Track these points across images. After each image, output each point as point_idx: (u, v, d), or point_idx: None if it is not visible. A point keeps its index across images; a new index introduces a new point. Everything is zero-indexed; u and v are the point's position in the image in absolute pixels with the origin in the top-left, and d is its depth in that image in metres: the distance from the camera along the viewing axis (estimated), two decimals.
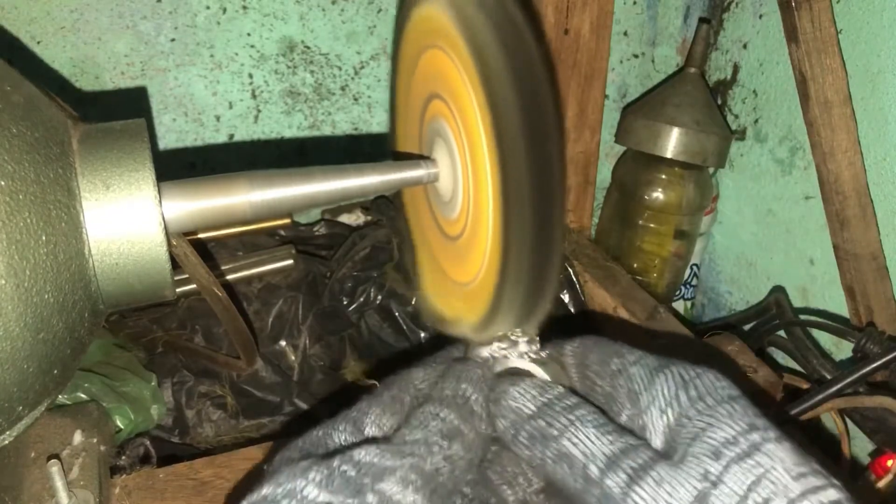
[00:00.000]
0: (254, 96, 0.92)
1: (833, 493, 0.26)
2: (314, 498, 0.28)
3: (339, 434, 0.33)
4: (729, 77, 1.01)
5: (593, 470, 0.30)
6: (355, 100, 0.97)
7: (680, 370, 0.32)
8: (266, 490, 0.29)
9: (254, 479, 0.30)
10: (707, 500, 0.27)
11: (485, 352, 0.38)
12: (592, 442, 0.30)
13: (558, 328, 0.39)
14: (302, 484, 0.28)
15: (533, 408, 0.33)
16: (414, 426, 0.33)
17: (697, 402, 0.30)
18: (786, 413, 0.67)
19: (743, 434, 0.28)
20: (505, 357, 0.38)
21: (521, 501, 0.35)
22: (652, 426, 0.31)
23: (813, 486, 0.26)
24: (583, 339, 0.36)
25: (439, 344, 0.42)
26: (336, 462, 0.29)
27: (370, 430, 0.34)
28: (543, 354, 0.37)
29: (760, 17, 0.94)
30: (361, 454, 0.30)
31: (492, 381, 0.36)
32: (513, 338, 0.38)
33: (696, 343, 0.72)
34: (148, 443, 0.65)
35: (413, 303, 0.83)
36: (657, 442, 0.30)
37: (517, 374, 0.36)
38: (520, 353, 0.38)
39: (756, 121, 0.97)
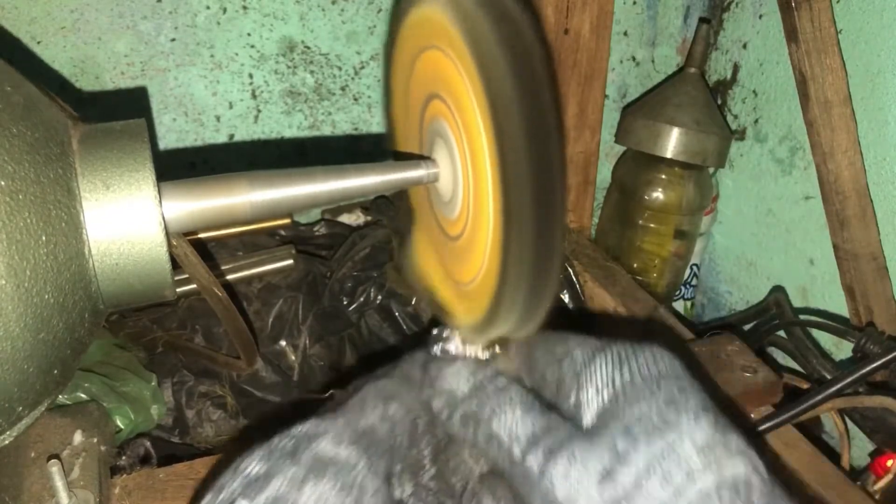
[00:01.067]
0: (254, 96, 0.92)
1: (740, 466, 0.27)
2: (256, 472, 0.30)
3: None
4: (729, 77, 1.01)
5: (516, 451, 0.31)
6: (355, 100, 0.97)
7: (619, 349, 0.33)
8: (221, 479, 0.31)
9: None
10: (613, 473, 0.28)
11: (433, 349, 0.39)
12: (518, 423, 0.32)
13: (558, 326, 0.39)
14: (246, 463, 0.31)
15: (466, 389, 0.35)
16: (354, 397, 0.34)
17: (629, 384, 0.31)
18: (754, 427, 0.68)
19: (658, 412, 0.29)
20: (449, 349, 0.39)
21: (467, 490, 0.36)
22: (587, 405, 0.32)
23: (718, 457, 0.28)
24: (531, 336, 0.37)
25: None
26: (276, 439, 0.32)
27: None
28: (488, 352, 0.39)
29: (760, 17, 0.94)
30: (298, 428, 0.32)
31: (428, 362, 0.37)
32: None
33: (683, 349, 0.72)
34: (148, 443, 0.65)
35: (413, 303, 0.83)
36: (588, 420, 0.31)
37: (453, 356, 0.37)
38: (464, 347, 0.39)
39: (756, 121, 0.97)
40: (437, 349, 0.38)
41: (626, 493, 0.28)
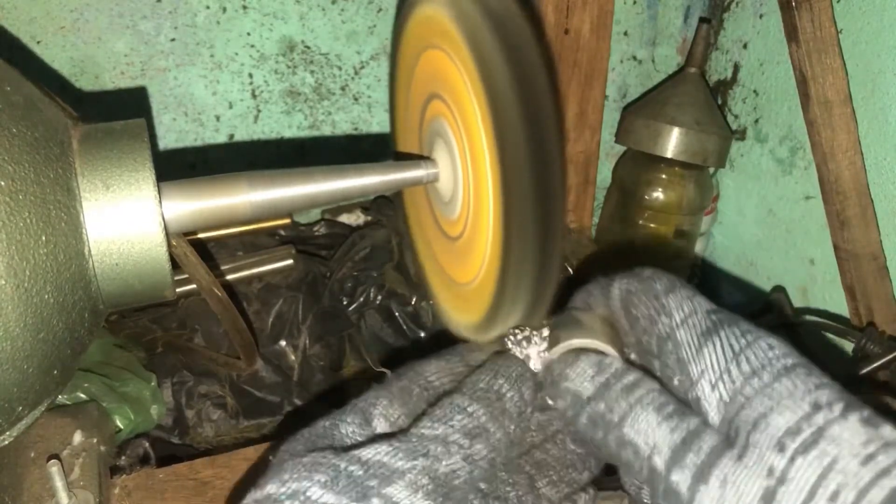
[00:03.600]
0: (254, 96, 0.92)
1: None
2: (317, 499, 0.27)
3: (347, 426, 0.32)
4: (729, 77, 1.01)
5: (658, 463, 0.29)
6: (355, 100, 0.97)
7: (730, 337, 0.30)
8: (270, 488, 0.28)
9: (259, 471, 0.29)
10: (774, 497, 0.26)
11: (525, 350, 0.36)
12: (654, 430, 0.29)
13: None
14: (307, 485, 0.27)
15: (591, 389, 0.32)
16: (436, 418, 0.31)
17: (752, 379, 0.28)
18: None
19: (806, 419, 0.26)
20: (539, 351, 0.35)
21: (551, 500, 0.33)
22: (706, 401, 0.29)
23: (883, 468, 0.25)
24: (628, 282, 0.34)
25: (444, 341, 0.40)
26: (343, 463, 0.28)
27: (378, 422, 0.32)
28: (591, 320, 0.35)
29: (761, 17, 0.94)
30: (370, 453, 0.29)
31: (524, 378, 0.34)
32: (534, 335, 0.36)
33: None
34: (147, 443, 0.65)
35: (413, 303, 0.83)
36: (715, 418, 0.29)
37: (572, 353, 0.34)
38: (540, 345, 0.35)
39: (756, 121, 0.97)
40: (515, 347, 0.35)
41: None
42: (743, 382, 0.28)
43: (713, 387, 0.29)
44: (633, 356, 0.34)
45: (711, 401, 0.29)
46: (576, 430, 0.33)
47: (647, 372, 0.32)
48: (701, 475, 0.27)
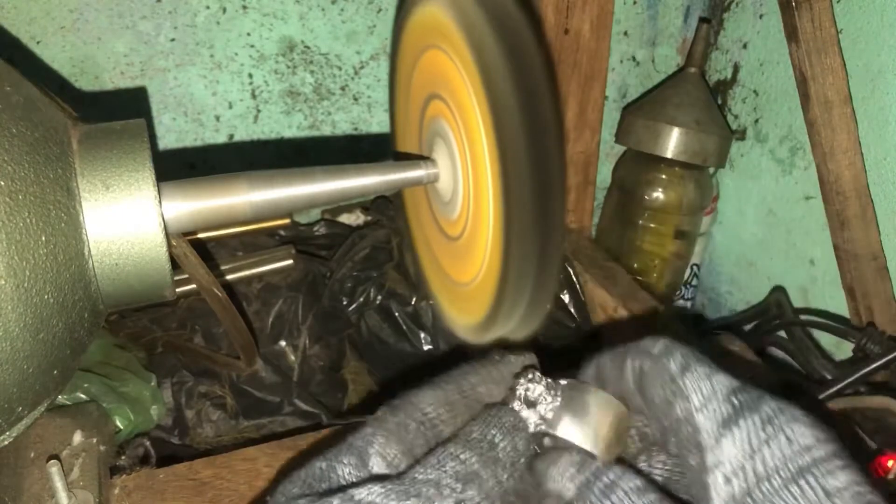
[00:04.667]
0: (254, 96, 0.92)
1: None
2: None
3: (343, 467, 0.32)
4: (729, 77, 1.01)
5: None
6: (355, 100, 0.97)
7: (750, 428, 0.29)
8: None
9: None
10: None
11: (527, 415, 0.34)
12: None
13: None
14: None
15: (573, 490, 0.31)
16: (429, 465, 0.31)
17: (764, 482, 0.27)
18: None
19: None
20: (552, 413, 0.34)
21: None
22: (716, 493, 0.28)
23: None
24: (641, 360, 0.33)
25: (449, 357, 0.40)
26: (336, 502, 0.28)
27: (375, 462, 0.32)
28: (601, 398, 0.34)
29: (761, 17, 0.94)
30: (363, 493, 0.28)
31: (530, 459, 0.34)
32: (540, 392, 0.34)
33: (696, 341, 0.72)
34: (147, 443, 0.64)
35: (413, 303, 0.83)
36: None
37: (556, 451, 0.33)
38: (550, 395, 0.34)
39: (756, 121, 0.97)
40: (518, 404, 0.34)
41: None
42: (755, 483, 0.28)
43: (727, 481, 0.28)
44: (648, 430, 0.34)
45: (722, 494, 0.28)
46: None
47: (658, 486, 0.32)
48: None
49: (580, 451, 0.33)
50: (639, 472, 0.31)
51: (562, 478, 0.32)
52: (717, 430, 0.29)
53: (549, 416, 0.34)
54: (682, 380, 0.31)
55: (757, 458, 0.28)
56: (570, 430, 0.33)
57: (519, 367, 0.35)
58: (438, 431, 0.33)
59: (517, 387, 0.34)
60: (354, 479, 0.31)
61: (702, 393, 0.30)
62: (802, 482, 0.27)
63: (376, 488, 0.29)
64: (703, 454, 0.29)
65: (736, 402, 0.29)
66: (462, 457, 0.31)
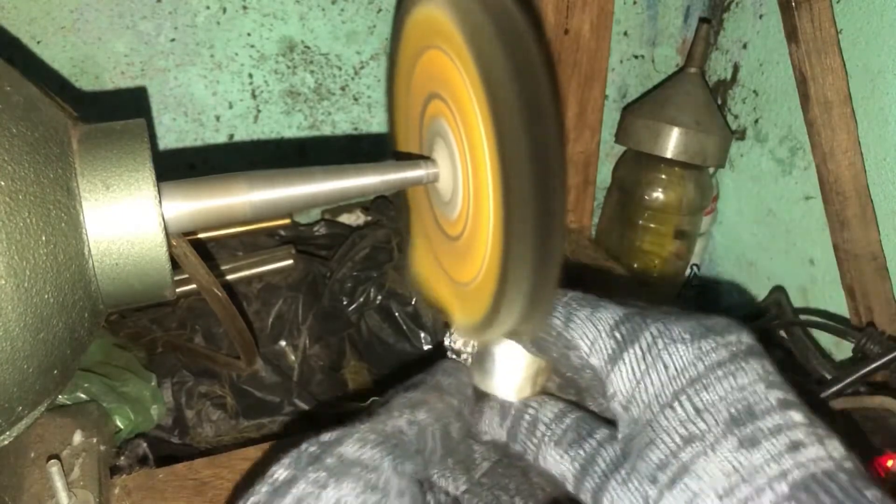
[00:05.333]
0: (254, 96, 0.92)
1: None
2: (283, 478, 0.31)
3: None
4: (729, 77, 1.01)
5: (569, 490, 0.32)
6: (355, 100, 0.97)
7: (635, 357, 0.31)
8: (253, 488, 0.31)
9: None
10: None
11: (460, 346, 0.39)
12: (559, 462, 0.32)
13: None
14: (273, 469, 0.31)
15: (504, 435, 0.35)
16: (383, 408, 0.34)
17: (647, 410, 0.30)
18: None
19: (674, 454, 0.28)
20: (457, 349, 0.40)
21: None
22: (620, 419, 0.32)
23: (744, 496, 0.26)
24: (566, 305, 0.36)
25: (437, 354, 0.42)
26: (304, 445, 0.32)
27: None
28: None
29: (760, 17, 0.94)
30: (326, 435, 0.32)
31: (456, 370, 0.38)
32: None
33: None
34: (147, 443, 0.64)
35: (413, 303, 0.83)
36: (624, 430, 0.31)
37: (477, 406, 0.37)
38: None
39: (756, 121, 0.97)
40: (449, 350, 0.39)
41: None
42: (644, 409, 0.30)
43: (624, 409, 0.31)
44: (569, 392, 0.37)
45: (624, 418, 0.31)
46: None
47: (575, 405, 0.35)
48: (595, 499, 0.31)
49: (495, 398, 0.37)
50: (557, 399, 0.35)
51: (491, 428, 0.36)
52: (606, 366, 0.32)
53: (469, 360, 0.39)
54: (568, 331, 0.34)
55: (643, 384, 0.31)
56: (484, 381, 0.38)
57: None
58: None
59: (446, 339, 0.39)
60: None
61: (587, 337, 0.33)
62: (676, 404, 0.29)
63: (336, 429, 0.32)
64: (602, 390, 0.32)
65: (618, 335, 0.32)
66: (409, 394, 0.35)
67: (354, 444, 0.31)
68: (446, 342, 0.39)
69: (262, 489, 0.31)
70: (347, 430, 0.32)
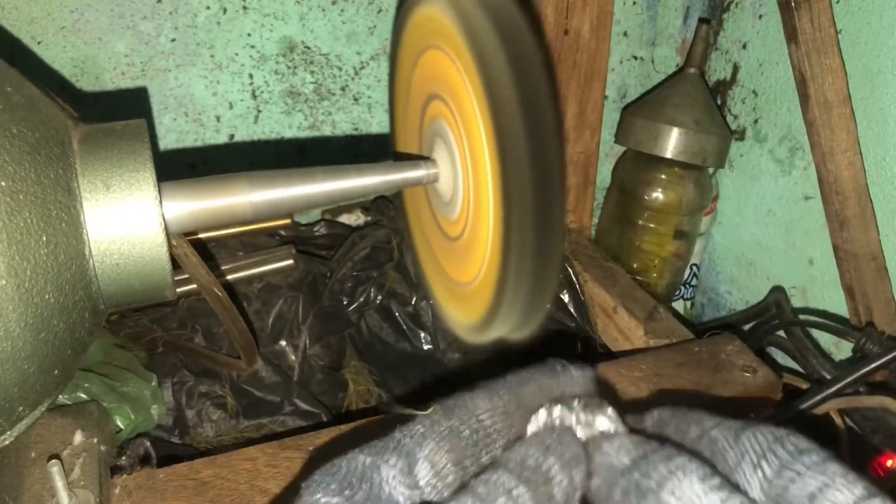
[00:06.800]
0: (254, 96, 0.92)
1: None
2: None
3: (389, 469, 0.30)
4: (729, 77, 1.01)
5: None
6: (355, 100, 0.97)
7: (767, 429, 0.29)
8: None
9: (288, 493, 0.29)
10: None
11: (576, 427, 0.33)
12: (700, 497, 0.27)
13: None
14: None
15: (628, 461, 0.30)
16: (480, 497, 0.29)
17: (800, 457, 0.27)
18: (794, 407, 0.67)
19: (864, 499, 0.26)
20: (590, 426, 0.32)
21: None
22: (747, 482, 0.28)
23: None
24: (660, 411, 0.33)
25: (495, 360, 0.38)
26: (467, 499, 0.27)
27: (422, 468, 0.30)
28: (622, 428, 0.33)
29: (760, 17, 0.94)
30: (480, 489, 0.27)
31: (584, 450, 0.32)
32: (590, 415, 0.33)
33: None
34: (148, 443, 0.65)
35: (413, 303, 0.83)
36: (758, 495, 0.28)
37: (611, 434, 0.32)
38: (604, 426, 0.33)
39: (756, 121, 0.97)
40: (581, 430, 0.33)
41: None
42: (790, 460, 0.27)
43: (755, 467, 0.28)
44: None
45: (753, 481, 0.28)
46: None
47: None
48: None
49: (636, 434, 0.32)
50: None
51: (618, 452, 0.31)
52: (733, 434, 0.29)
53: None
54: (695, 414, 0.32)
55: (784, 441, 0.28)
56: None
57: (581, 383, 0.34)
58: (492, 441, 0.32)
59: (578, 411, 0.33)
60: (399, 486, 0.29)
61: (714, 419, 0.31)
62: (839, 462, 0.27)
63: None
64: (725, 456, 0.29)
65: (746, 423, 0.30)
66: (515, 492, 0.29)
67: None
68: (580, 414, 0.33)
69: None
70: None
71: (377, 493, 0.29)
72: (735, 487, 0.28)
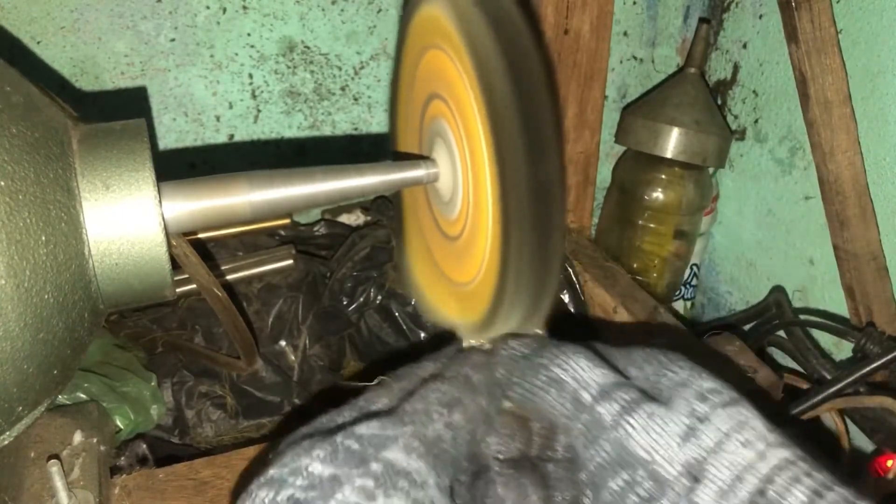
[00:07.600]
0: (254, 96, 0.92)
1: (798, 451, 0.29)
2: (320, 473, 0.29)
3: (343, 418, 0.34)
4: (729, 77, 1.01)
5: (584, 396, 0.32)
6: (355, 100, 0.97)
7: (649, 348, 0.34)
8: (273, 471, 0.30)
9: (258, 466, 0.31)
10: (695, 433, 0.29)
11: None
12: (584, 371, 0.32)
13: (558, 329, 0.39)
14: (307, 461, 0.29)
15: (527, 350, 0.35)
16: (415, 399, 0.34)
17: (678, 362, 0.32)
18: (786, 412, 0.67)
19: (725, 389, 0.31)
20: None
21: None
22: (632, 378, 0.33)
23: (783, 441, 0.29)
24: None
25: (441, 342, 0.42)
26: (339, 438, 0.30)
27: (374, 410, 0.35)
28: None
29: (760, 17, 0.94)
30: (362, 428, 0.31)
31: (489, 362, 0.38)
32: None
33: (697, 344, 0.72)
34: (147, 443, 0.65)
35: (413, 303, 0.83)
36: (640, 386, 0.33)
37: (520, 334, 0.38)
38: None
39: (756, 121, 0.97)
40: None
41: (709, 450, 0.29)
42: (668, 363, 0.32)
43: (639, 368, 0.33)
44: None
45: (637, 377, 0.33)
46: (509, 396, 0.36)
47: None
48: (629, 408, 0.31)
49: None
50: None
51: (521, 346, 0.37)
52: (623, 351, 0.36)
53: None
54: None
55: (663, 354, 0.34)
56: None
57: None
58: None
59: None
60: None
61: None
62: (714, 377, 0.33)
63: (373, 422, 0.32)
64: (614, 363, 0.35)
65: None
66: (443, 388, 0.34)
67: (401, 452, 0.30)
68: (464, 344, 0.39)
69: (297, 481, 0.28)
70: (385, 426, 0.31)
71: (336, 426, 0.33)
72: (619, 372, 0.33)
